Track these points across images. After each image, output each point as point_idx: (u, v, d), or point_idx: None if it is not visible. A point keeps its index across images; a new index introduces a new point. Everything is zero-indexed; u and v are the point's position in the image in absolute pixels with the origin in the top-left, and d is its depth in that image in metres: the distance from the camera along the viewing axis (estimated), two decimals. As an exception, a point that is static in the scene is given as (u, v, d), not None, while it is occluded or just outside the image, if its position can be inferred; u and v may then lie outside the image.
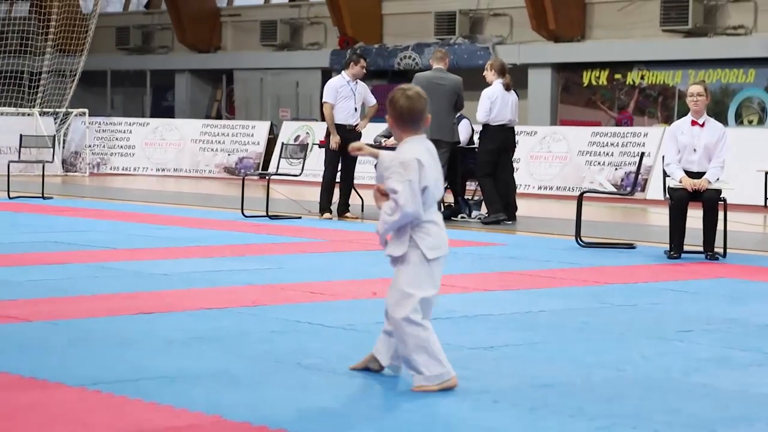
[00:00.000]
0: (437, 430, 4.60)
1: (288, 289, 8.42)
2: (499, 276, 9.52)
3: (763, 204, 17.84)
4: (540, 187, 20.43)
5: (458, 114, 14.97)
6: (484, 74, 14.67)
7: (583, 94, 24.15)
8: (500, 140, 14.44)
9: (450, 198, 15.51)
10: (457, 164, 15.06)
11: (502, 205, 14.52)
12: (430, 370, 5.13)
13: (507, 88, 14.43)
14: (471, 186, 15.91)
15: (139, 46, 32.02)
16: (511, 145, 14.74)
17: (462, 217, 15.05)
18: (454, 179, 15.23)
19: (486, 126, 14.42)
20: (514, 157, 15.15)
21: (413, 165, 5.08)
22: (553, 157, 20.66)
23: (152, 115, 30.33)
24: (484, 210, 14.82)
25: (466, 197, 15.55)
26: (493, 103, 14.32)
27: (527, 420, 4.77)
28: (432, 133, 14.38)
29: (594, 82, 23.95)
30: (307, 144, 19.19)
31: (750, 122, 21.66)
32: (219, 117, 30.27)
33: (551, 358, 6.06)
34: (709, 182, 10.91)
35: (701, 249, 11.01)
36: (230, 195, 18.70)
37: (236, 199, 15.83)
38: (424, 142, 5.26)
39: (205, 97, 31.46)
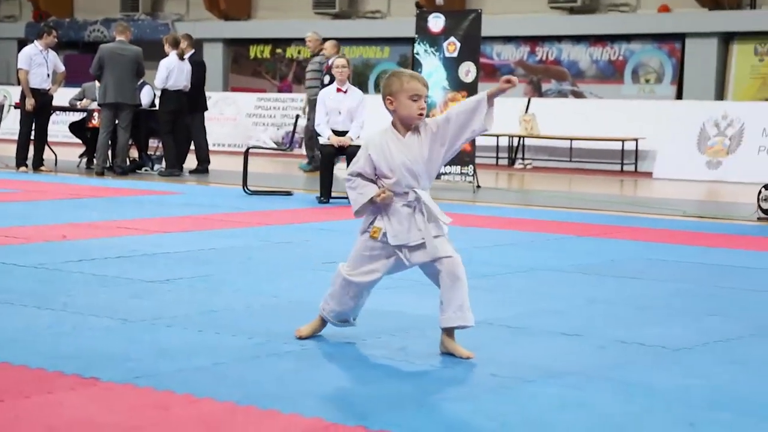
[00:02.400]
0: (115, 347, 4.49)
1: (-15, 234, 7.98)
2: (176, 220, 9.40)
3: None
4: (214, 144, 20.25)
5: (141, 80, 14.62)
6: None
7: (250, 66, 24.10)
8: (177, 104, 14.24)
9: (135, 153, 15.16)
10: (141, 124, 14.73)
11: (178, 160, 14.39)
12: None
13: (181, 57, 14.23)
14: (153, 143, 15.61)
15: None
16: (193, 107, 14.54)
17: (145, 170, 14.74)
18: (138, 137, 14.90)
19: (164, 91, 14.17)
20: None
21: None
22: (225, 119, 20.55)
23: None
24: (164, 164, 14.57)
25: (149, 153, 15.24)
26: (171, 71, 14.10)
27: (195, 338, 4.74)
28: (116, 97, 14.01)
29: (259, 56, 23.95)
30: (4, 105, 18.20)
31: (386, 91, 22.30)
32: None
33: (218, 289, 6.04)
34: (351, 139, 11.16)
35: (345, 195, 11.24)
36: (-68, 151, 17.50)
37: (-62, 155, 14.84)
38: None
39: None
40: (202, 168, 14.56)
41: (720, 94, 18.91)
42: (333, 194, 11.23)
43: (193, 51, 14.71)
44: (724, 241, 8.68)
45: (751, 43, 18.79)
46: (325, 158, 11.16)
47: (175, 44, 14.28)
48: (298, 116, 13.66)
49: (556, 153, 17.88)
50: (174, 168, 14.23)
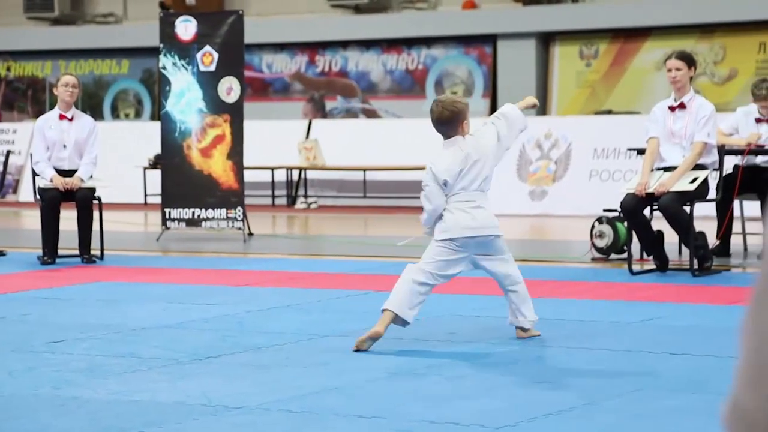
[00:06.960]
0: None
1: None
2: None
3: (143, 201, 18.26)
4: None
5: None
6: None
7: (-56, 88, 23.43)
8: None
9: None
10: None
11: None
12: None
13: None
14: None
15: None
16: None
17: None
18: None
19: None
20: None
21: (427, 175, 6.65)
22: None
23: None
24: None
25: None
26: None
27: None
28: None
29: (-44, 74, 23.30)
30: None
31: (127, 116, 22.09)
32: None
33: None
34: (82, 180, 11.01)
35: (78, 252, 11.08)
36: None
37: None
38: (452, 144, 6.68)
39: None
40: None
41: (542, 108, 19.64)
42: (60, 251, 11.03)
43: None
44: (551, 289, 8.99)
45: (576, 43, 19.61)
46: (48, 205, 10.95)
47: None
48: (9, 152, 13.36)
49: (346, 187, 18.13)
50: None
